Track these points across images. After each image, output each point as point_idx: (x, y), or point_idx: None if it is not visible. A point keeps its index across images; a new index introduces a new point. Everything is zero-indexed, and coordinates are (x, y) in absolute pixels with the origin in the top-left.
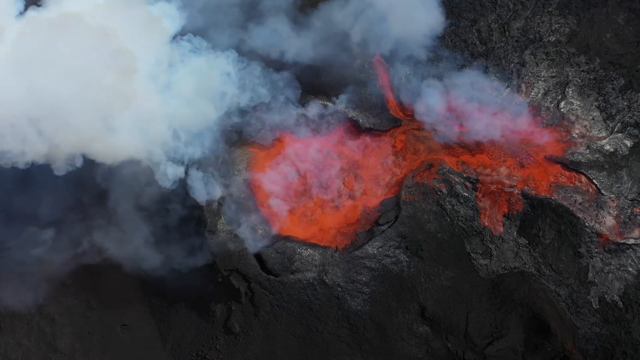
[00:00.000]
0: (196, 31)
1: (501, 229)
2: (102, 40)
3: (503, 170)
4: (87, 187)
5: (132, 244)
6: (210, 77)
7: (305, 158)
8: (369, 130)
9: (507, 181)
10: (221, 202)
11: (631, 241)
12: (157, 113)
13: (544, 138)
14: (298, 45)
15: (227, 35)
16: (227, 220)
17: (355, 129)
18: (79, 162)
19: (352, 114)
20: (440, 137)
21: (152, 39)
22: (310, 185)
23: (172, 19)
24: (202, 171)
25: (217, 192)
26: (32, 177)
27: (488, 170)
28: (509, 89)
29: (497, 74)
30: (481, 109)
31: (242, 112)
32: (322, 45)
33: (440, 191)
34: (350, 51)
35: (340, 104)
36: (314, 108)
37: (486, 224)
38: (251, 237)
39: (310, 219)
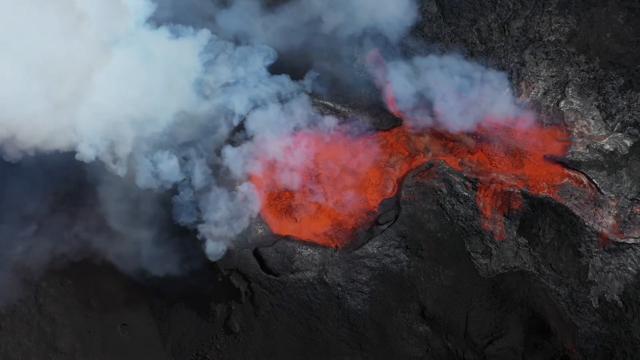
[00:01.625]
0: (165, 21)
1: (502, 231)
2: (75, 25)
3: (503, 169)
4: (81, 183)
5: (131, 244)
6: (177, 60)
7: (301, 157)
8: (368, 130)
9: (506, 181)
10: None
11: (631, 240)
12: (118, 100)
13: (527, 123)
14: (280, 37)
15: (197, 27)
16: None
17: (355, 128)
18: (32, 152)
19: (351, 113)
20: (412, 124)
21: (118, 25)
22: (305, 185)
23: (141, 7)
24: (156, 152)
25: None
26: (20, 171)
27: (488, 169)
28: (508, 88)
29: (496, 73)
30: (458, 96)
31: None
32: (312, 38)
33: (440, 191)
34: (344, 46)
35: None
36: (301, 106)
37: (486, 224)
38: (214, 235)
39: (299, 219)
